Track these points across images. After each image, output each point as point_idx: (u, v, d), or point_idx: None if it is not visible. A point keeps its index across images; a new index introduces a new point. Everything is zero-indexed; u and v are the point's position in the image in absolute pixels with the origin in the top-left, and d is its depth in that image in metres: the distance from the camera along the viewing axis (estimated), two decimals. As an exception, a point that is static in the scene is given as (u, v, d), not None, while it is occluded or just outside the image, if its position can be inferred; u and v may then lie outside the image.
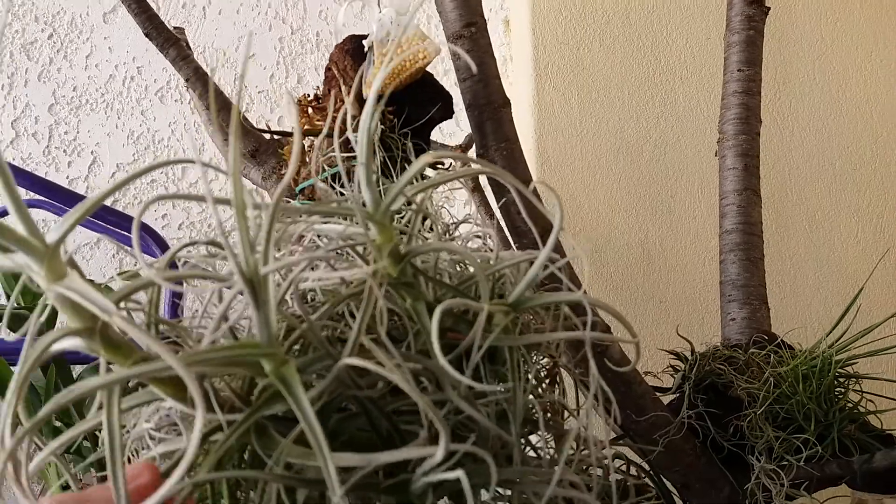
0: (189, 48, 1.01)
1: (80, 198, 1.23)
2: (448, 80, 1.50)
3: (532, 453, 0.43)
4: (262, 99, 1.69)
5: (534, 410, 0.42)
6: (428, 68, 0.87)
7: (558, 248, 0.74)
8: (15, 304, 1.18)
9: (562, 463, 0.36)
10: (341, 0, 1.73)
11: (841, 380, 0.74)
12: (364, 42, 0.81)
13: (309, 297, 0.44)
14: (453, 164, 1.17)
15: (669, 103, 1.49)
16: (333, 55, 0.82)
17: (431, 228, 0.54)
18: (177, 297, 1.05)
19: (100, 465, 0.44)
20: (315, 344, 0.36)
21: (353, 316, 0.39)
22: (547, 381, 0.49)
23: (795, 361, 0.72)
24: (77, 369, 1.18)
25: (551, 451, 0.43)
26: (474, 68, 0.74)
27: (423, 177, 0.83)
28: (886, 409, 0.75)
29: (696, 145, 1.47)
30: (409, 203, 0.43)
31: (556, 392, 0.47)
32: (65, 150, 1.63)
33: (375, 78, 0.76)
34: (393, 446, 0.37)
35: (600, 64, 1.48)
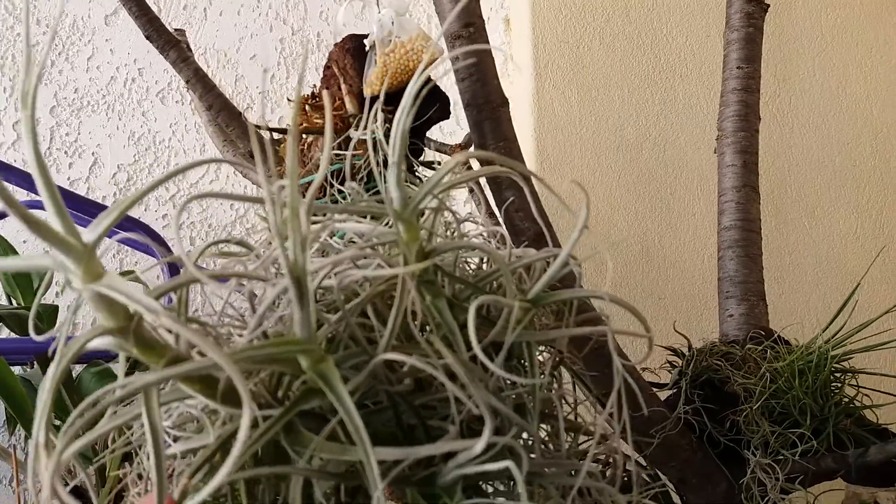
0: (190, 50, 1.01)
1: (81, 199, 1.24)
2: (448, 79, 1.50)
3: (544, 447, 0.44)
4: (262, 99, 1.70)
5: (553, 405, 0.42)
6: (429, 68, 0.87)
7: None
8: (15, 305, 1.19)
9: (590, 457, 0.37)
10: (341, 1, 1.73)
11: (837, 375, 0.74)
12: (365, 42, 0.82)
13: (324, 295, 0.45)
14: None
15: (669, 101, 1.49)
16: (333, 53, 0.82)
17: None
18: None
19: (96, 463, 0.45)
20: (346, 340, 0.37)
21: (376, 313, 0.40)
22: (557, 376, 0.49)
23: (791, 357, 0.72)
24: (77, 368, 1.19)
25: (563, 444, 0.43)
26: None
27: (417, 177, 0.83)
28: (882, 403, 0.76)
29: (695, 143, 1.48)
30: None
31: (559, 386, 0.48)
32: (66, 152, 1.64)
33: (376, 79, 0.77)
34: (416, 440, 0.37)
35: (600, 62, 1.48)
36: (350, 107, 0.80)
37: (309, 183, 0.77)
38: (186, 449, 0.37)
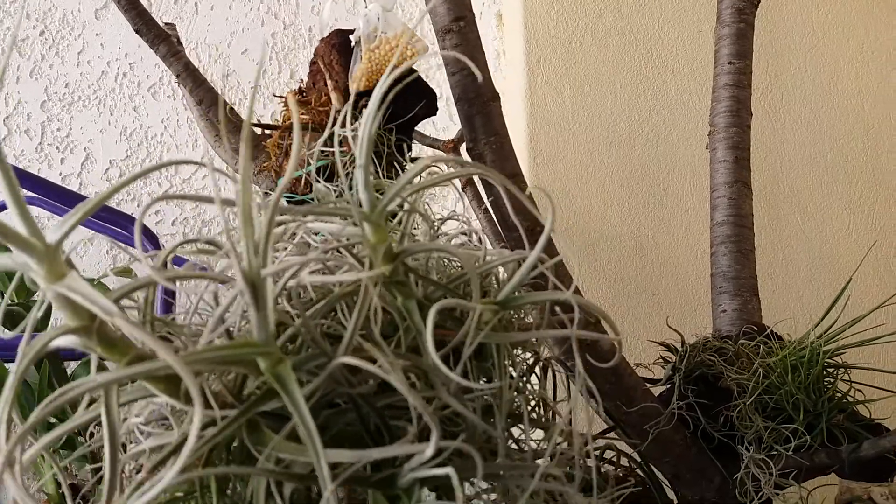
0: (180, 44, 1.01)
1: (73, 194, 1.23)
2: (441, 74, 1.50)
3: (516, 446, 0.44)
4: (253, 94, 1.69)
5: (517, 405, 0.42)
6: (422, 62, 0.87)
7: (550, 247, 0.75)
8: (10, 301, 1.18)
9: (546, 456, 0.37)
10: (333, -5, 1.73)
11: (830, 370, 0.74)
12: (351, 37, 0.82)
13: (298, 294, 0.44)
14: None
15: (661, 97, 1.49)
16: (319, 49, 0.82)
17: (416, 226, 0.54)
18: (169, 296, 1.05)
19: (92, 457, 0.45)
20: (308, 342, 0.37)
21: (345, 314, 0.40)
22: (529, 376, 0.49)
23: (784, 352, 0.73)
24: (71, 365, 1.18)
25: (535, 444, 0.43)
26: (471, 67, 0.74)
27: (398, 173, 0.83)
28: (875, 398, 0.76)
29: (687, 138, 1.48)
30: (400, 204, 0.43)
31: (539, 387, 0.48)
32: (57, 147, 1.63)
33: (362, 77, 0.76)
34: (381, 442, 0.37)
35: (592, 58, 1.48)
36: (336, 102, 0.80)
37: (298, 178, 0.77)
38: (156, 445, 0.37)
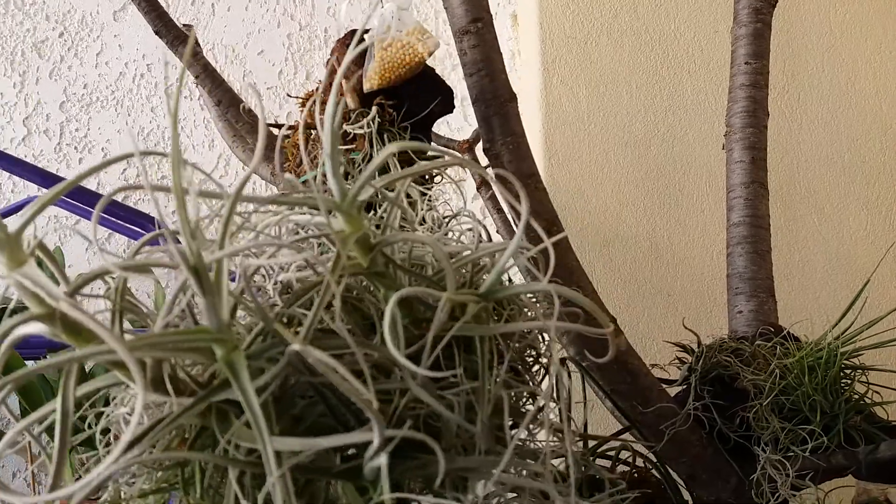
0: (198, 45, 1.02)
1: (91, 193, 1.24)
2: (456, 74, 1.50)
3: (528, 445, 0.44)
4: (270, 95, 1.70)
5: (523, 402, 0.42)
6: (437, 63, 0.87)
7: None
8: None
9: (510, 452, 0.36)
10: (349, -4, 1.73)
11: (847, 371, 0.74)
12: (365, 37, 0.82)
13: (288, 289, 0.44)
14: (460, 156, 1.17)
15: (677, 97, 1.49)
16: (335, 49, 0.82)
17: (423, 221, 0.54)
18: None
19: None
20: (270, 330, 0.36)
21: (331, 306, 0.40)
22: (530, 372, 0.48)
23: (801, 353, 0.72)
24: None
25: (539, 442, 0.43)
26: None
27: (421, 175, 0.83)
28: (893, 400, 0.75)
29: (703, 139, 1.47)
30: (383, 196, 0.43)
31: (536, 384, 0.47)
32: (76, 147, 1.65)
33: (370, 72, 0.77)
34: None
35: (608, 58, 1.48)
36: (351, 102, 0.80)
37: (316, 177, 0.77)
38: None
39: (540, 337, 0.47)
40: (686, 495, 0.78)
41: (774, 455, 0.70)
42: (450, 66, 1.57)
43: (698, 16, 1.51)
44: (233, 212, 0.33)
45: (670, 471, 0.77)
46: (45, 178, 1.26)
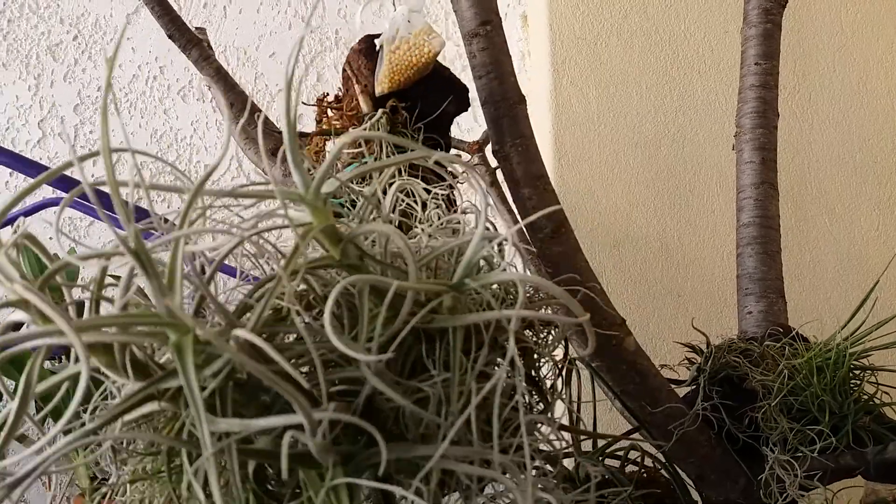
0: (210, 48, 1.03)
1: (106, 196, 1.26)
2: (466, 76, 1.51)
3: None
4: (281, 97, 1.71)
5: (472, 392, 0.41)
6: (448, 65, 0.88)
7: (572, 241, 0.75)
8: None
9: (448, 440, 0.35)
10: (360, -2, 1.74)
11: (856, 372, 0.74)
12: (376, 41, 0.83)
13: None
14: (470, 157, 1.18)
15: (687, 97, 1.49)
16: (349, 55, 0.83)
17: (428, 220, 0.55)
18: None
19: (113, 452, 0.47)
20: (220, 315, 0.37)
21: (323, 299, 0.40)
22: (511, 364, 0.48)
23: (810, 354, 0.72)
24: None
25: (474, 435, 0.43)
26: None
27: (437, 175, 0.84)
28: (902, 401, 0.75)
29: (714, 139, 1.47)
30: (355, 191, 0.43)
31: (520, 380, 0.48)
32: (90, 150, 1.66)
33: (378, 76, 0.78)
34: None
35: (618, 58, 1.48)
36: (364, 106, 0.81)
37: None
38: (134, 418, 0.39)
39: (545, 333, 0.47)
40: (695, 495, 0.78)
41: (783, 455, 0.70)
42: (460, 68, 1.57)
43: (708, 16, 1.51)
44: (193, 203, 0.34)
45: (679, 471, 0.77)
46: (59, 180, 1.28)
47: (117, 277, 0.36)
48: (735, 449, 0.75)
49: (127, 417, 0.38)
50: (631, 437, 0.77)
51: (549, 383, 0.49)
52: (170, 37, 0.98)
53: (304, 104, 1.54)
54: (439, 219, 0.52)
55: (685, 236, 1.44)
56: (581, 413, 0.76)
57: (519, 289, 0.39)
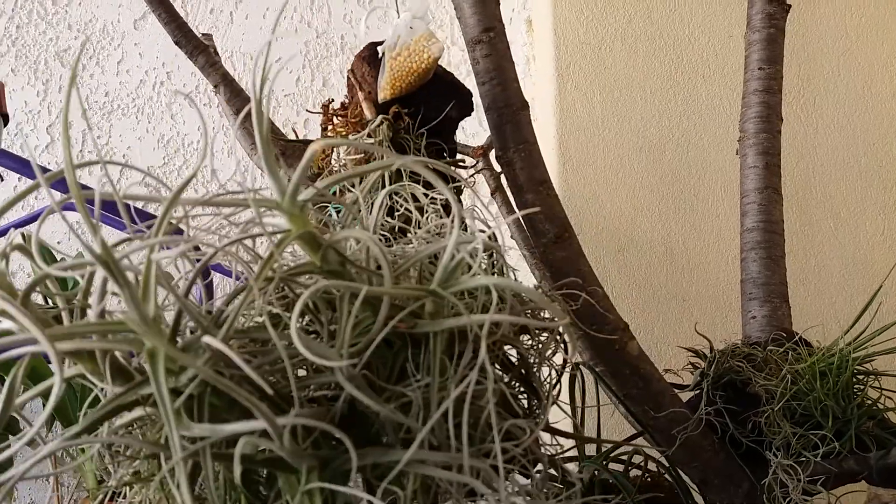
0: (217, 54, 1.03)
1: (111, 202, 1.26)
2: (471, 81, 1.51)
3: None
4: (288, 102, 1.72)
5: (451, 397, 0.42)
6: (452, 70, 0.88)
7: (576, 245, 0.76)
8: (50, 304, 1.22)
9: (417, 443, 0.35)
10: (365, 4, 1.75)
11: (859, 377, 0.74)
12: (378, 48, 0.83)
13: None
14: (475, 162, 1.18)
15: (692, 102, 1.49)
16: (353, 63, 0.84)
17: (419, 225, 0.55)
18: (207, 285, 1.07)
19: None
20: (202, 325, 0.37)
21: (325, 308, 0.40)
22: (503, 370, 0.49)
23: (813, 358, 0.73)
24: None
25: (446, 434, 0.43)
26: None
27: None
28: (906, 405, 0.75)
29: (718, 144, 1.47)
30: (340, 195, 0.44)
31: (511, 383, 0.48)
32: (97, 155, 1.67)
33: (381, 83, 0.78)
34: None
35: (622, 63, 1.49)
36: (368, 113, 0.82)
37: (340, 189, 0.79)
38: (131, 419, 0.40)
39: (545, 338, 0.47)
40: (699, 500, 0.78)
41: (786, 460, 0.70)
42: (465, 73, 1.58)
43: (712, 21, 1.51)
44: (169, 211, 0.35)
45: (683, 475, 0.77)
46: (61, 183, 1.29)
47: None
48: (738, 453, 0.76)
49: (118, 422, 0.38)
50: (634, 441, 0.77)
51: (546, 388, 0.50)
52: (176, 43, 0.99)
53: (310, 112, 1.54)
54: (436, 225, 0.53)
55: (689, 241, 1.44)
56: (585, 417, 0.77)
57: (492, 293, 0.39)
